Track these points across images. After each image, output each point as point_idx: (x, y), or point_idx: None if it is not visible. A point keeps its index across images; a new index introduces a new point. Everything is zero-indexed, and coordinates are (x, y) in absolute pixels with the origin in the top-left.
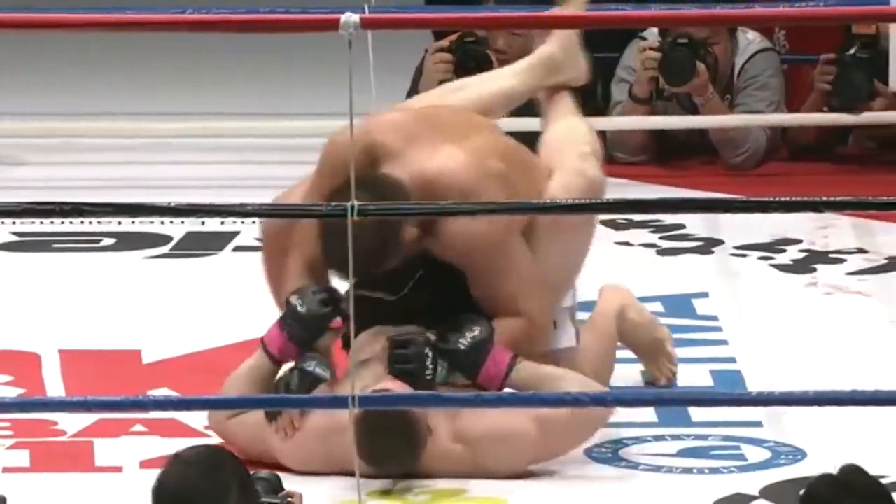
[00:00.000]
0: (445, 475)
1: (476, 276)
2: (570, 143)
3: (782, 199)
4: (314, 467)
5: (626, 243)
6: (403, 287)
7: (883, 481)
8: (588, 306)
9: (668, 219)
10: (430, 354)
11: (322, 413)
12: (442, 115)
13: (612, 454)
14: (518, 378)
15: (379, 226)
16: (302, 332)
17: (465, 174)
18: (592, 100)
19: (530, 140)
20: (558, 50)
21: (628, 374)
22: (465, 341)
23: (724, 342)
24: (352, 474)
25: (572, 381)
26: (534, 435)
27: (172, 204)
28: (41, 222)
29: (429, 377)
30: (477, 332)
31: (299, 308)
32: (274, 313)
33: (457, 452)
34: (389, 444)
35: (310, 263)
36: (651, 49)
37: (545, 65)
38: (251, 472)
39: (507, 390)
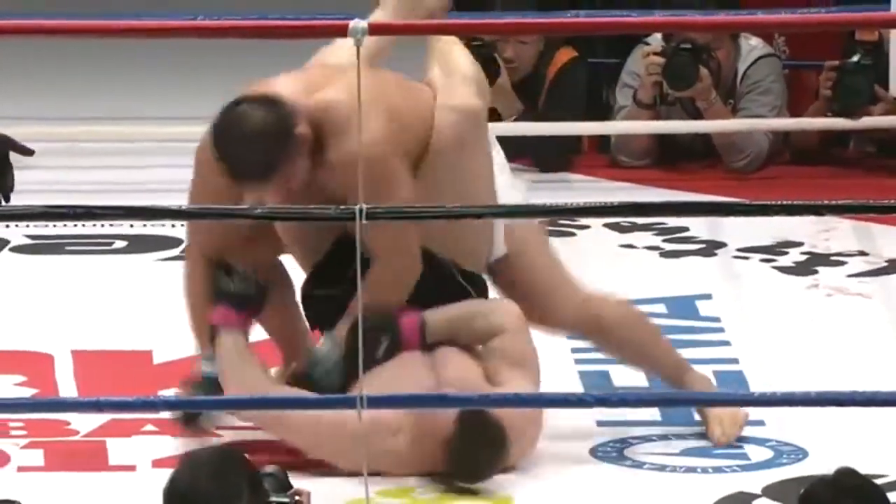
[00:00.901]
0: None
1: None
2: (449, 73)
3: (784, 202)
4: (341, 465)
5: (630, 246)
6: (344, 278)
7: (882, 481)
8: None
9: (672, 222)
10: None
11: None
12: (319, 69)
13: (617, 453)
14: (434, 335)
15: (273, 134)
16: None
17: (345, 101)
18: (597, 104)
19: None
20: None
21: (632, 374)
22: (380, 352)
23: (726, 343)
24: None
25: (484, 313)
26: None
27: (183, 207)
28: (54, 225)
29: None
30: (387, 342)
31: (243, 286)
32: None
33: None
34: (482, 462)
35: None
36: (654, 54)
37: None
38: (259, 469)
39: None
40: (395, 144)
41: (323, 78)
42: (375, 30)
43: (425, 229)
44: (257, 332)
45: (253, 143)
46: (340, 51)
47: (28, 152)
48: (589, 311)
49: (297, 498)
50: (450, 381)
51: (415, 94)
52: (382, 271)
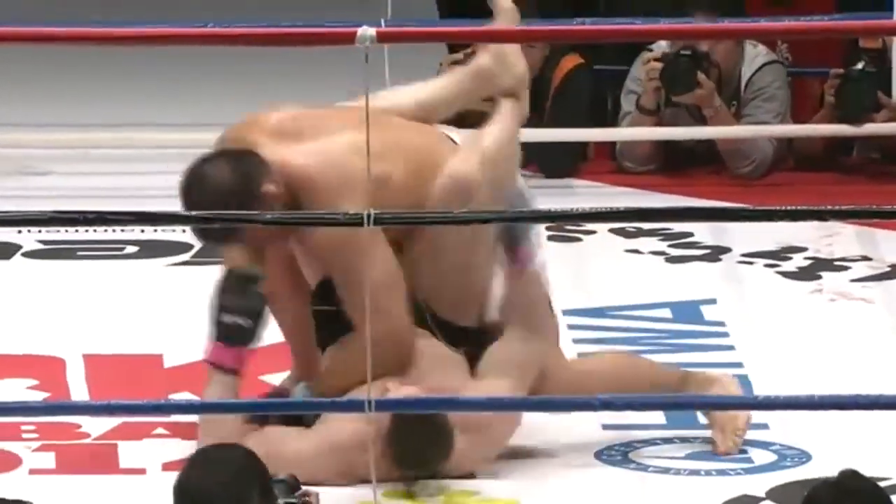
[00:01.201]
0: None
1: (336, 277)
2: (469, 142)
3: (788, 208)
4: (333, 481)
5: (636, 251)
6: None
7: (885, 483)
8: (596, 312)
9: (677, 227)
10: None
11: (343, 430)
12: (321, 113)
13: (622, 456)
14: None
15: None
16: (251, 337)
17: (328, 174)
18: (603, 111)
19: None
20: (489, 60)
21: None
22: None
23: (731, 347)
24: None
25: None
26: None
27: (194, 213)
28: (66, 230)
29: None
30: None
31: (243, 324)
32: None
33: (461, 447)
34: (424, 449)
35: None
36: (654, 60)
37: (478, 75)
38: (271, 476)
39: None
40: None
41: (331, 127)
42: (383, 37)
43: (412, 285)
44: (272, 335)
45: (214, 205)
46: (397, 93)
47: None
48: (578, 381)
49: (305, 499)
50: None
51: (422, 156)
52: (361, 340)
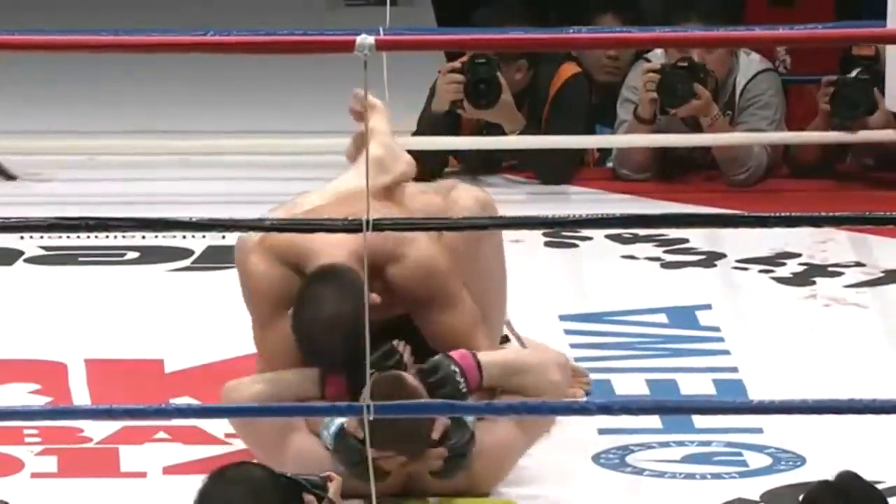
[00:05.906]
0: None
1: (431, 306)
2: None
3: (782, 214)
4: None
5: (632, 257)
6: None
7: (879, 486)
8: (592, 317)
9: (672, 233)
10: (458, 370)
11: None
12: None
13: (618, 460)
14: (489, 379)
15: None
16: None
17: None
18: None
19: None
20: (380, 150)
21: (633, 383)
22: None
23: (726, 352)
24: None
25: (538, 372)
26: (522, 439)
27: (194, 219)
28: (68, 236)
29: (464, 391)
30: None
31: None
32: None
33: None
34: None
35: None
36: (652, 71)
37: (375, 166)
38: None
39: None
40: None
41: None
42: (382, 45)
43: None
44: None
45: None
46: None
47: (11, 177)
48: None
49: (328, 481)
50: None
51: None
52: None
